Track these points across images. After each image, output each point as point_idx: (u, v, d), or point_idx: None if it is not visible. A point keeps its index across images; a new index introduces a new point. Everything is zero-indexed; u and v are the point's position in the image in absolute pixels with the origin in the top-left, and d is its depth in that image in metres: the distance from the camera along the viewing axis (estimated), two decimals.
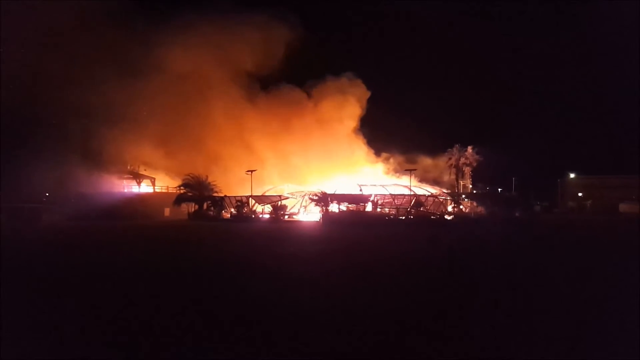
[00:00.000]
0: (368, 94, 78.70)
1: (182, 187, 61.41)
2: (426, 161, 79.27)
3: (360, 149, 79.32)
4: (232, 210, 58.68)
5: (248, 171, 60.26)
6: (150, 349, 7.33)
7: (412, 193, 58.93)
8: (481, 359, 6.80)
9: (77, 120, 64.52)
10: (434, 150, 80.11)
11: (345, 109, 77.78)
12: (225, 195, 60.80)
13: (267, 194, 62.63)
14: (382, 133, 78.55)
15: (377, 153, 80.00)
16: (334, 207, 54.59)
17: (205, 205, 59.84)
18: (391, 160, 79.33)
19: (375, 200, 57.29)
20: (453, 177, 78.26)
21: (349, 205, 56.16)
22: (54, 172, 62.89)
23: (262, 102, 76.70)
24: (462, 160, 77.93)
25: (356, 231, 34.38)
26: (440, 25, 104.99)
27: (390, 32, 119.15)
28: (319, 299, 11.06)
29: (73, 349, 7.24)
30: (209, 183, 61.18)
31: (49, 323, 8.86)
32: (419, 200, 56.58)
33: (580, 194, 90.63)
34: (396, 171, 76.76)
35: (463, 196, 68.57)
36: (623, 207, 73.22)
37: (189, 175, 61.65)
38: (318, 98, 78.12)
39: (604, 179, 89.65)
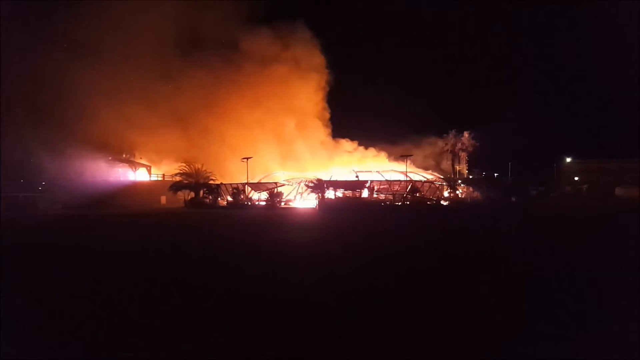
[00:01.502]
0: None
1: (178, 175, 61.36)
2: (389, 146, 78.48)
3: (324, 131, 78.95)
4: (228, 197, 58.69)
5: (244, 158, 60.16)
6: (152, 343, 7.31)
7: (408, 179, 58.97)
8: (481, 359, 6.79)
9: (72, 109, 64.21)
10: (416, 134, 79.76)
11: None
12: (221, 183, 60.86)
13: (263, 181, 62.64)
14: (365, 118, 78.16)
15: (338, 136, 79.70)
16: (330, 194, 54.62)
17: (201, 193, 59.88)
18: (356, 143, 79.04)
19: (372, 186, 57.34)
20: (449, 162, 78.38)
21: (345, 192, 56.23)
22: (50, 161, 62.71)
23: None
24: (459, 145, 78.00)
25: (352, 217, 34.41)
26: (433, 5, 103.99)
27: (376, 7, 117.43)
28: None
29: (72, 348, 7.20)
30: (205, 170, 61.18)
31: (43, 318, 8.84)
32: (414, 186, 56.62)
33: (576, 178, 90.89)
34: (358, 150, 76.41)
35: (459, 181, 68.65)
36: (619, 191, 73.41)
37: (184, 163, 61.65)
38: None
39: (600, 164, 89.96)
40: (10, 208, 49.02)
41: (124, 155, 72.05)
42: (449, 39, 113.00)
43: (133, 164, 71.09)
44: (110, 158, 68.70)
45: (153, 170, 71.98)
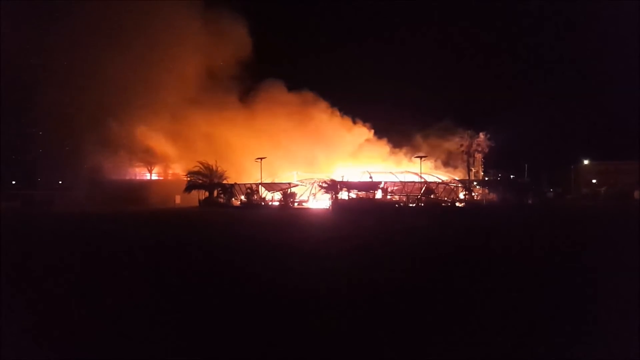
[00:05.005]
0: None
1: (192, 175, 61.65)
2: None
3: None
4: (242, 197, 58.88)
5: (257, 158, 60.25)
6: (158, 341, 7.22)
7: (422, 180, 58.51)
8: (481, 359, 6.60)
9: (90, 109, 64.98)
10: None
11: None
12: (235, 183, 61.02)
13: (276, 181, 62.67)
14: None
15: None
16: (343, 195, 54.43)
17: (215, 193, 60.17)
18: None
19: (385, 187, 57.01)
20: (464, 163, 77.33)
21: (359, 193, 55.99)
22: (68, 160, 63.64)
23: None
24: (474, 146, 76.88)
25: (366, 218, 34.15)
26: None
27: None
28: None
29: (73, 348, 7.15)
30: (218, 170, 61.46)
31: (45, 317, 8.80)
32: (429, 188, 56.20)
33: (594, 181, 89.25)
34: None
35: (475, 183, 67.87)
36: (639, 193, 71.86)
37: (199, 163, 61.91)
38: None
39: (619, 165, 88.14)
40: (27, 205, 49.86)
41: (140, 154, 72.71)
42: (467, 38, 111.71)
43: (149, 163, 71.74)
44: (127, 157, 69.43)
45: (168, 169, 72.53)
